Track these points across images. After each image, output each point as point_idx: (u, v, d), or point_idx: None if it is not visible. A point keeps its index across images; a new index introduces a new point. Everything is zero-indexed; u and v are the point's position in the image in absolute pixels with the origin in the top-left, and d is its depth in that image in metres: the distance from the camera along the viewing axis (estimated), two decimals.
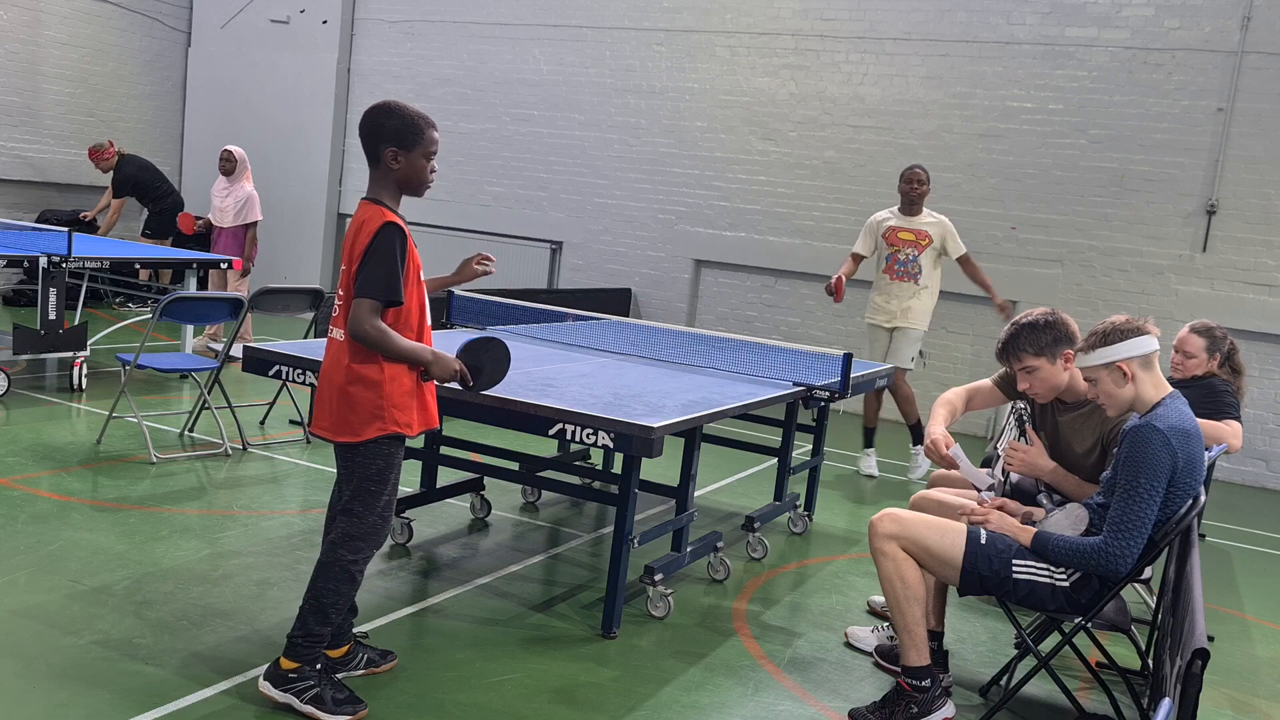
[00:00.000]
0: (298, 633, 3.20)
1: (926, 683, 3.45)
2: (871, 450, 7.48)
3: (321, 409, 3.20)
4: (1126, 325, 3.29)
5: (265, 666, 3.29)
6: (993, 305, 7.37)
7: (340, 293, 3.17)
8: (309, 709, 3.15)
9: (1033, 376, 3.77)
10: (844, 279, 7.20)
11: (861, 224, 9.80)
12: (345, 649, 3.44)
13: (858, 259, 7.40)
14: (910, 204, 7.24)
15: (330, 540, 3.22)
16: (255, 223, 9.15)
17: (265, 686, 3.20)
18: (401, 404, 3.13)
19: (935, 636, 3.90)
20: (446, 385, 3.31)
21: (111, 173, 10.31)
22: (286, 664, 3.20)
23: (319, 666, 3.23)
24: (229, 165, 9.04)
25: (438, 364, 3.15)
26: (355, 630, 3.55)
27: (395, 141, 3.10)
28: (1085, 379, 3.39)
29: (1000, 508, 3.65)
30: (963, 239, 9.88)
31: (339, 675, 3.37)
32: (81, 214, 11.01)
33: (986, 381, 4.36)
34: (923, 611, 3.46)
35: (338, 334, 3.17)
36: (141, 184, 10.35)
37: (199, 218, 9.59)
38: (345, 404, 3.11)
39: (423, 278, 3.27)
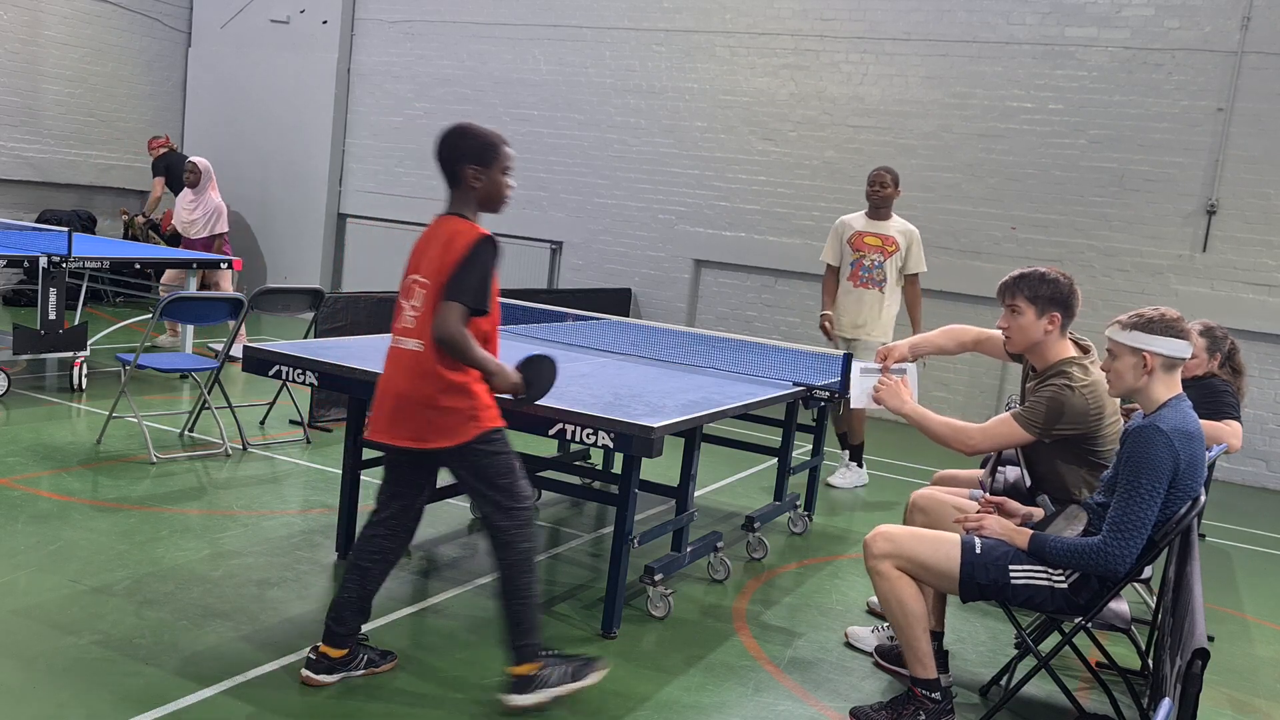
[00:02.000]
0: (520, 640, 3.30)
1: (937, 695, 3.46)
2: (855, 464, 7.05)
3: (399, 419, 3.23)
4: (1174, 324, 3.24)
5: (262, 669, 3.29)
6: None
7: (411, 304, 3.23)
8: (564, 689, 3.33)
9: (1014, 318, 3.80)
10: (830, 324, 6.93)
11: None
12: (346, 650, 3.44)
13: (833, 271, 6.97)
14: (876, 208, 6.85)
15: (503, 541, 3.28)
16: (224, 234, 9.22)
17: (515, 699, 3.29)
18: (489, 402, 3.25)
19: (935, 636, 3.89)
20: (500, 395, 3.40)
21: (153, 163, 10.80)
22: (525, 669, 3.30)
23: (546, 652, 3.37)
24: (194, 177, 9.10)
25: (500, 375, 3.23)
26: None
27: (475, 160, 3.22)
28: (1107, 348, 3.35)
29: (999, 506, 3.64)
30: (962, 239, 9.88)
31: (339, 675, 3.37)
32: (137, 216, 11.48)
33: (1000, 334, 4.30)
34: (924, 629, 3.45)
35: (412, 344, 3.21)
36: (172, 176, 10.49)
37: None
38: (439, 413, 3.18)
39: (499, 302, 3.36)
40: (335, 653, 3.40)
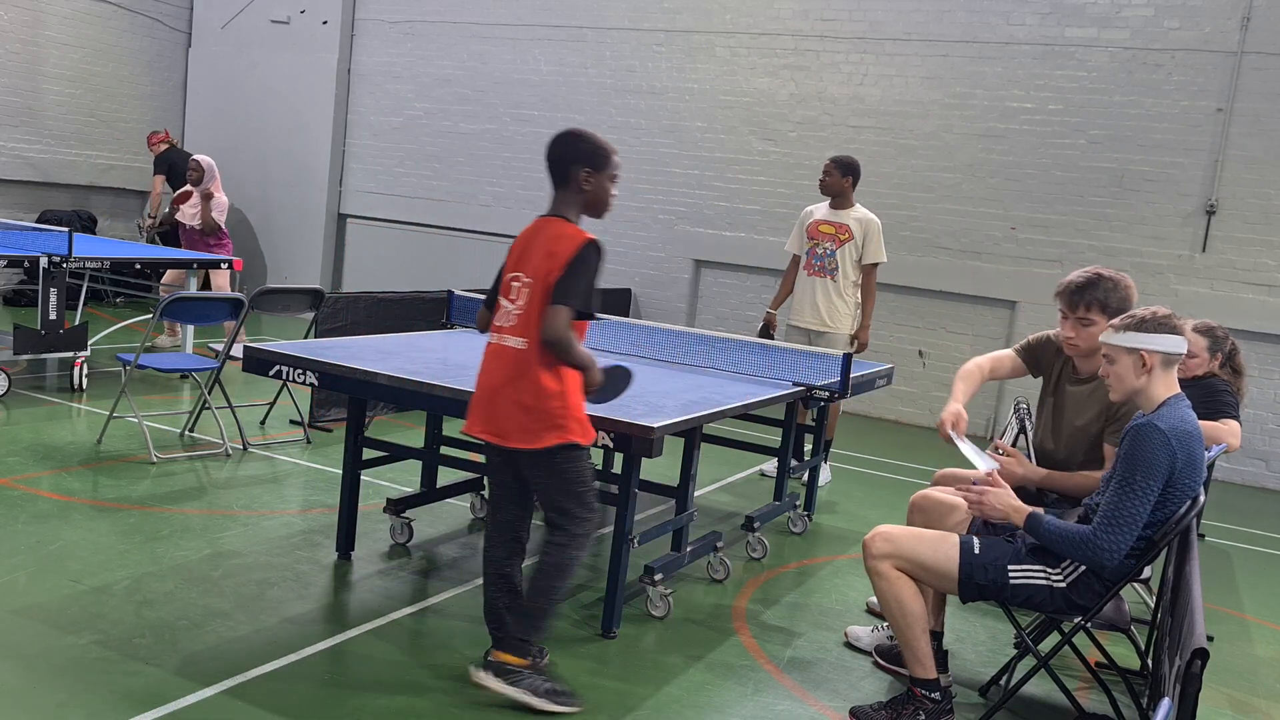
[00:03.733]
0: (525, 634, 3.35)
1: (937, 695, 3.46)
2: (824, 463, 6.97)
3: (494, 415, 3.28)
4: (1167, 320, 3.26)
5: (262, 669, 3.29)
6: (856, 338, 6.79)
7: (515, 301, 3.27)
8: (532, 699, 3.31)
9: (1085, 330, 3.83)
10: (772, 321, 6.96)
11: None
12: (528, 660, 3.46)
13: (795, 260, 6.97)
14: (831, 198, 6.81)
15: (556, 544, 3.34)
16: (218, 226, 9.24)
17: (487, 679, 3.32)
18: (578, 414, 3.30)
19: (935, 636, 3.89)
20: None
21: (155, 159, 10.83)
22: (514, 660, 3.32)
23: (538, 659, 3.42)
24: (196, 175, 9.07)
25: (592, 371, 3.28)
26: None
27: (588, 163, 3.37)
28: (1103, 354, 3.35)
29: (1006, 470, 3.69)
30: (962, 239, 9.87)
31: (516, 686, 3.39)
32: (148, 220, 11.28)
33: (1009, 351, 4.29)
34: (923, 629, 3.45)
35: (516, 342, 3.26)
36: (174, 172, 10.50)
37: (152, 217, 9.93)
38: (528, 414, 3.23)
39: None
40: (513, 660, 3.38)
